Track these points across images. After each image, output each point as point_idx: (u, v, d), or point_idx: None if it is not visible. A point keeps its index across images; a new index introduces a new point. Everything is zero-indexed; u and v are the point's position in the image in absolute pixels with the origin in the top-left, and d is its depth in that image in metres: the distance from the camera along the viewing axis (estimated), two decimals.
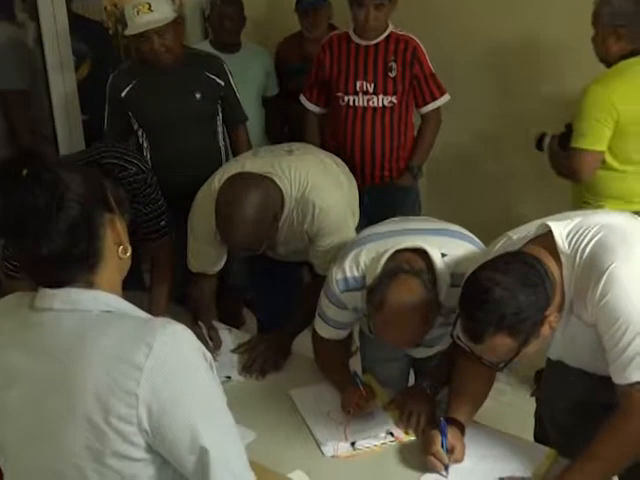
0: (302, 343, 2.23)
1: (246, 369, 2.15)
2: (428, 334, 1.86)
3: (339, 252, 2.03)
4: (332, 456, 1.78)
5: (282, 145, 2.42)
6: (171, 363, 1.03)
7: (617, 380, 1.54)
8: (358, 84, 2.89)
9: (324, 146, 2.86)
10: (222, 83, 2.76)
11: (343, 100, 2.93)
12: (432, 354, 2.14)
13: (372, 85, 2.88)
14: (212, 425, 1.06)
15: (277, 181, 2.11)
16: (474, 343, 1.53)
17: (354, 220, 2.35)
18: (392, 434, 1.84)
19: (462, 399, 1.79)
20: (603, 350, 1.55)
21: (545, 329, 1.54)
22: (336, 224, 2.17)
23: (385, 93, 2.88)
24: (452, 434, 1.71)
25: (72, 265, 1.08)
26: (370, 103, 2.90)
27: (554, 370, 1.92)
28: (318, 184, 2.16)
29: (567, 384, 1.88)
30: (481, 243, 1.98)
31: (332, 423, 1.87)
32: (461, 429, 1.74)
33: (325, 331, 2.04)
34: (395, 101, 2.90)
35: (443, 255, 1.85)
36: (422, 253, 1.83)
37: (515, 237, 1.72)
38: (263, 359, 2.15)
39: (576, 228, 1.60)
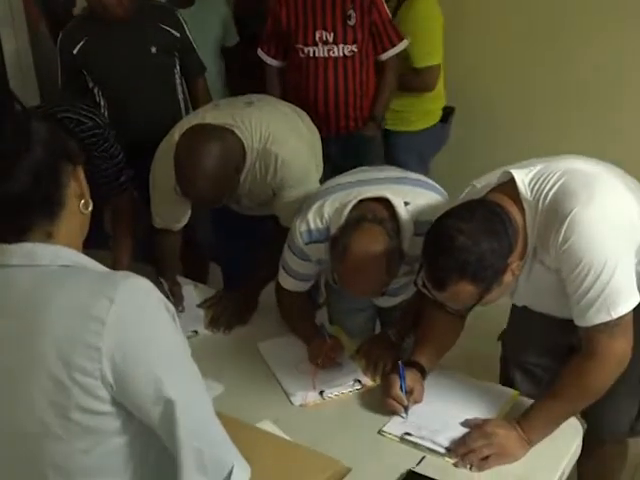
0: (269, 296, 2.23)
1: (213, 323, 2.15)
2: (393, 283, 1.88)
3: (303, 204, 2.02)
4: (300, 405, 1.80)
5: (242, 97, 2.38)
6: (133, 315, 1.03)
7: (580, 323, 1.57)
8: (317, 34, 2.84)
9: (285, 98, 2.83)
10: (178, 34, 2.69)
11: (303, 52, 2.88)
12: (397, 303, 2.16)
13: (332, 35, 2.83)
14: (176, 376, 1.05)
15: (238, 133, 2.08)
16: (437, 290, 1.55)
17: (318, 171, 2.33)
18: (359, 382, 1.87)
19: (425, 344, 1.82)
20: (566, 294, 1.58)
21: (507, 276, 1.56)
22: (299, 175, 2.15)
23: (345, 42, 2.84)
24: (411, 377, 1.74)
25: (34, 209, 1.06)
26: (331, 53, 2.86)
27: (519, 314, 1.95)
28: (279, 135, 2.14)
29: (532, 328, 1.93)
30: (444, 192, 1.99)
31: (300, 374, 1.89)
32: (422, 372, 1.77)
33: (289, 283, 2.04)
34: (355, 50, 2.86)
35: (406, 204, 1.85)
36: (385, 202, 1.83)
37: (479, 185, 1.72)
38: (230, 313, 2.16)
39: (538, 175, 1.61)
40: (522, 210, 1.58)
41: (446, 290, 1.52)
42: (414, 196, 1.89)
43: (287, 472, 1.55)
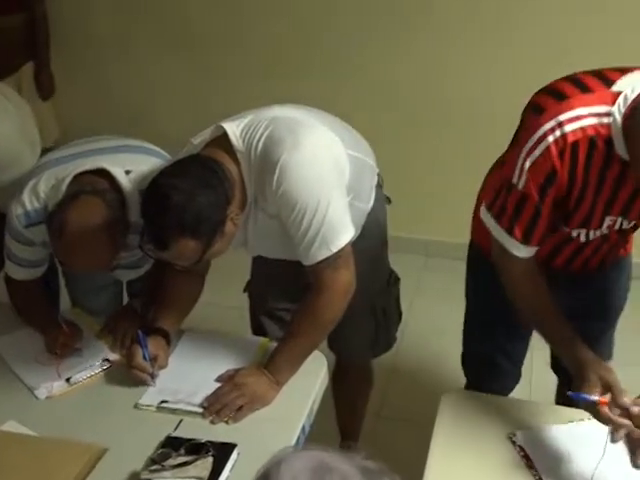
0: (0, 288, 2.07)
1: None
2: (130, 255, 1.83)
3: (17, 186, 1.88)
4: (47, 398, 1.71)
5: None
6: None
7: (305, 262, 1.65)
8: (607, 221, 1.67)
9: None
10: None
11: (571, 232, 1.71)
12: (142, 274, 2.11)
13: (619, 219, 1.68)
14: None
15: None
16: (160, 250, 1.53)
17: (33, 150, 2.14)
18: (108, 360, 1.81)
19: (166, 308, 1.81)
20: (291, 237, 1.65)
21: (229, 227, 1.58)
22: (8, 158, 1.96)
23: (630, 221, 1.78)
24: (154, 343, 1.72)
25: None
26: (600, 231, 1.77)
27: (258, 264, 2.01)
28: None
29: (271, 275, 1.99)
30: (168, 155, 1.96)
31: (41, 365, 1.79)
32: (165, 337, 1.76)
33: (17, 273, 1.90)
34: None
35: (128, 172, 1.79)
36: (105, 174, 1.76)
37: (196, 142, 1.72)
38: None
39: (248, 125, 1.64)
40: (237, 161, 1.61)
41: (169, 249, 1.51)
42: (135, 163, 1.83)
43: (40, 470, 1.48)
